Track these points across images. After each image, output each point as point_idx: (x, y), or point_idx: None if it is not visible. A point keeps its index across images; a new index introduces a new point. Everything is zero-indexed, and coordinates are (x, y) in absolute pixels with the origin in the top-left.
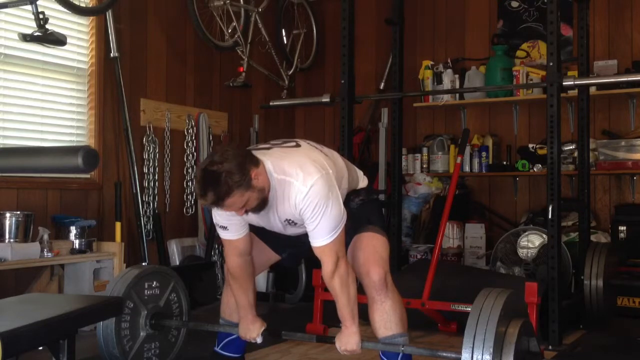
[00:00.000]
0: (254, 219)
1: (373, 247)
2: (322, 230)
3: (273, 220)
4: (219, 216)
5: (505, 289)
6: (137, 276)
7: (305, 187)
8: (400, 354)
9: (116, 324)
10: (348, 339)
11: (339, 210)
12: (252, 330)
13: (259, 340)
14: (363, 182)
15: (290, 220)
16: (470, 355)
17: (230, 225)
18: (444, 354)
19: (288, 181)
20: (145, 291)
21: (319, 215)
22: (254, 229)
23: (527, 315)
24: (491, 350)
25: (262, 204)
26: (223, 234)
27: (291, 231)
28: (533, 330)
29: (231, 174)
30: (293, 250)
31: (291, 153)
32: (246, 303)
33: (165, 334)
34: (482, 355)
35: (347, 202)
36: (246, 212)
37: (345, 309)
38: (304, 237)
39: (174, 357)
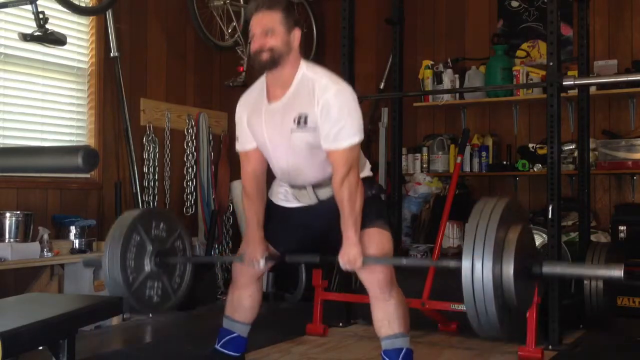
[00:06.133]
0: (264, 127)
1: (380, 244)
2: (344, 131)
3: (284, 120)
4: (237, 120)
5: (503, 196)
6: (145, 211)
7: (335, 84)
8: (402, 353)
9: (122, 253)
10: (349, 249)
11: (360, 117)
12: (257, 252)
13: (262, 264)
14: (368, 170)
15: (302, 118)
16: (471, 262)
17: (240, 134)
18: (445, 263)
19: (316, 78)
20: (153, 230)
21: (343, 114)
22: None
23: (527, 220)
24: (491, 256)
25: (276, 58)
26: (237, 147)
27: (296, 139)
28: (532, 236)
29: (291, 4)
30: (292, 245)
31: None
32: (255, 223)
33: (169, 278)
34: (483, 260)
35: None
36: (262, 50)
37: (349, 219)
38: (313, 216)
39: (173, 304)
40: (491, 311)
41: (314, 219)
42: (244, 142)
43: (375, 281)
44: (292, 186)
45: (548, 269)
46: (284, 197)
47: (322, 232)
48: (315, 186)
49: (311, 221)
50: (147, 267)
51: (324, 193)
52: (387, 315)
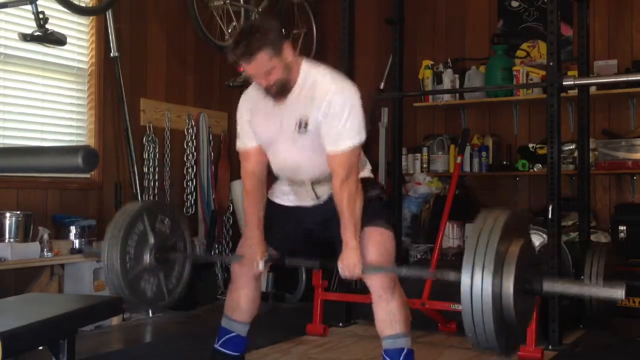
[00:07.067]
0: (266, 126)
1: (383, 243)
2: (344, 133)
3: (285, 123)
4: (239, 117)
5: (504, 210)
6: (153, 203)
7: (335, 84)
8: (403, 353)
9: (123, 238)
10: (348, 254)
11: (362, 118)
12: (257, 253)
13: (261, 266)
14: (368, 171)
15: (302, 122)
16: (470, 275)
17: (241, 132)
18: (445, 275)
19: (318, 79)
20: (157, 223)
21: (346, 113)
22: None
23: (528, 233)
24: (492, 270)
25: (284, 85)
26: (237, 145)
27: (298, 141)
28: (534, 251)
29: (267, 32)
30: (292, 245)
31: None
32: (254, 223)
33: (166, 277)
34: (483, 274)
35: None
36: (269, 87)
37: (348, 223)
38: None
39: (166, 305)
40: (489, 325)
41: (314, 218)
42: (245, 140)
43: (378, 282)
44: (291, 182)
45: (548, 286)
46: (283, 196)
47: (322, 232)
48: (315, 182)
49: (311, 221)
50: (147, 259)
51: (323, 190)
52: (389, 316)
